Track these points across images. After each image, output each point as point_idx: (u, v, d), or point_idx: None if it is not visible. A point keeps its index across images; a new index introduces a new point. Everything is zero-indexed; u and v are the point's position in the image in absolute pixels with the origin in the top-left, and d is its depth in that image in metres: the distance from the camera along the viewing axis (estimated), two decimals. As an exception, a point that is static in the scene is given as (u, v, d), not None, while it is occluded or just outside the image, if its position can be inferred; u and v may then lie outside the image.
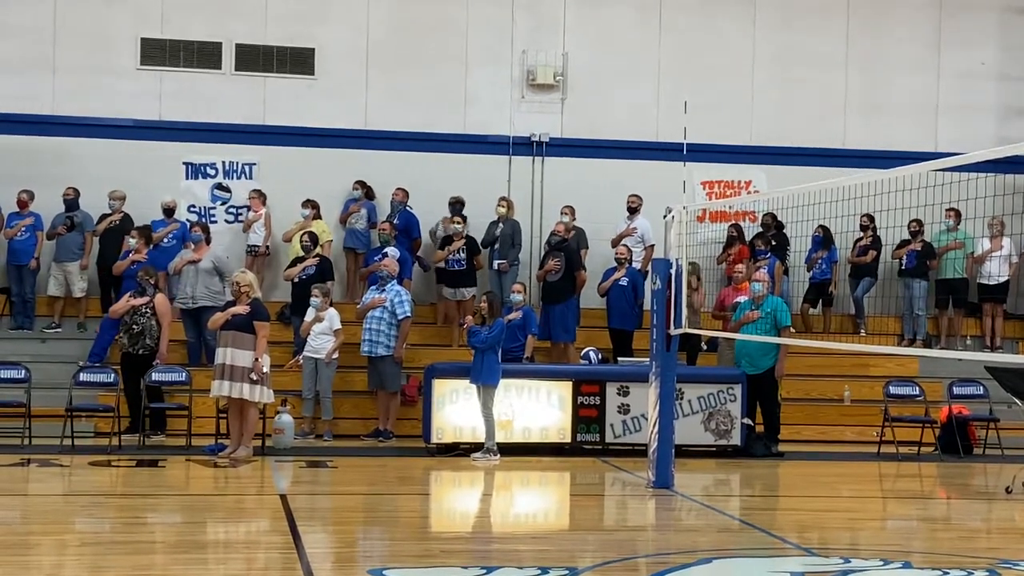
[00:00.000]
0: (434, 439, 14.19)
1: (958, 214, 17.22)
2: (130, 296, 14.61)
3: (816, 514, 11.24)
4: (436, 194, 17.45)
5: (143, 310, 14.51)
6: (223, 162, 17.85)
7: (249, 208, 17.34)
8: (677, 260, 11.96)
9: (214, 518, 10.41)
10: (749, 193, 18.51)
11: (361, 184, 17.50)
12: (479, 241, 17.10)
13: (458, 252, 16.70)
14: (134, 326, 14.49)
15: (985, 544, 10.05)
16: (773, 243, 17.27)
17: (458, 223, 16.75)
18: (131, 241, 15.82)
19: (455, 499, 12.61)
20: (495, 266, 16.86)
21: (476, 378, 13.79)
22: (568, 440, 14.41)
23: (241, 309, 13.18)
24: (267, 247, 17.18)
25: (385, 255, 15.99)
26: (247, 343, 13.04)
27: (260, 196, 17.25)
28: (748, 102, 18.80)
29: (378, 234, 16.83)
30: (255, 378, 13.02)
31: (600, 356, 15.85)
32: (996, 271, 17.67)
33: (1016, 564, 8.67)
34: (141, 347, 14.44)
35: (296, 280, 15.92)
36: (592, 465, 13.88)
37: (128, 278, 15.66)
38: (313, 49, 17.99)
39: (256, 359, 13.04)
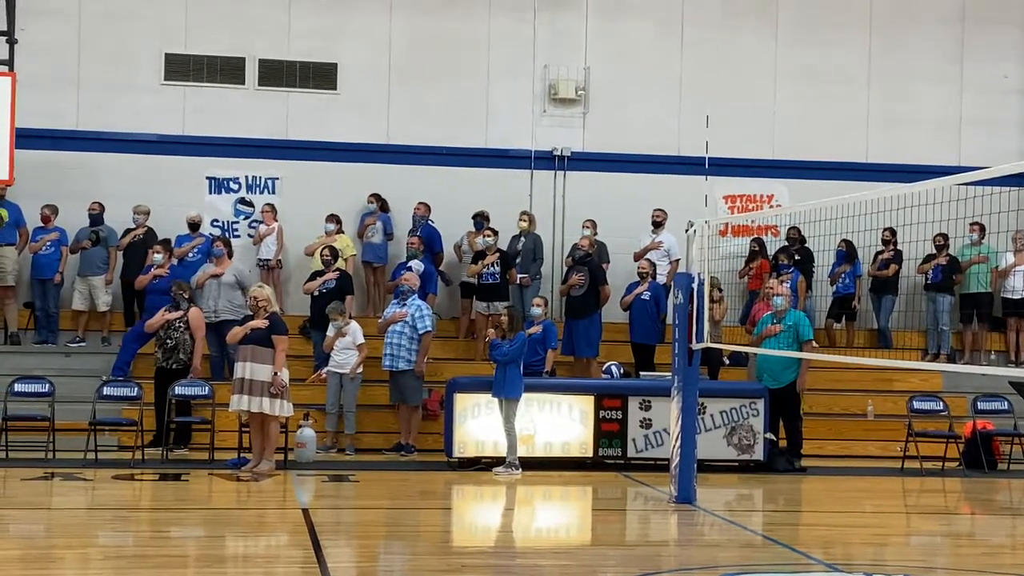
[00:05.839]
0: (456, 453, 14.19)
1: (982, 228, 17.15)
2: (165, 310, 14.69)
3: (840, 529, 11.19)
4: (458, 209, 17.47)
5: (177, 324, 14.58)
6: (246, 176, 17.93)
7: (262, 222, 17.42)
8: (699, 274, 11.95)
9: (236, 532, 10.44)
10: (771, 207, 18.48)
11: (376, 197, 17.54)
12: (509, 254, 17.10)
13: (492, 266, 16.68)
14: (168, 340, 14.58)
15: (1010, 560, 9.98)
16: (797, 257, 17.24)
17: (489, 236, 16.75)
18: (157, 257, 15.88)
19: (477, 514, 12.60)
20: (517, 280, 16.86)
21: (498, 392, 13.79)
22: (590, 455, 14.39)
23: (259, 323, 13.21)
24: (278, 261, 17.23)
25: (409, 269, 16.02)
26: (266, 357, 13.06)
27: (272, 210, 17.33)
28: (770, 116, 18.78)
29: (406, 248, 16.86)
30: (274, 392, 13.04)
31: (622, 370, 15.84)
32: (1020, 285, 17.57)
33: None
34: (175, 361, 14.52)
35: (315, 294, 15.97)
36: (614, 480, 13.86)
37: (151, 292, 15.72)
38: (335, 64, 18.07)
39: (275, 373, 13.06)
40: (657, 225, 17.50)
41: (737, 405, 14.46)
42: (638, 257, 17.27)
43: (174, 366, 14.53)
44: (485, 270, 16.65)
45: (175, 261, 16.48)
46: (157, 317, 14.72)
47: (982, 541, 11.21)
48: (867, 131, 18.96)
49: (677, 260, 17.19)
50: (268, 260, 17.14)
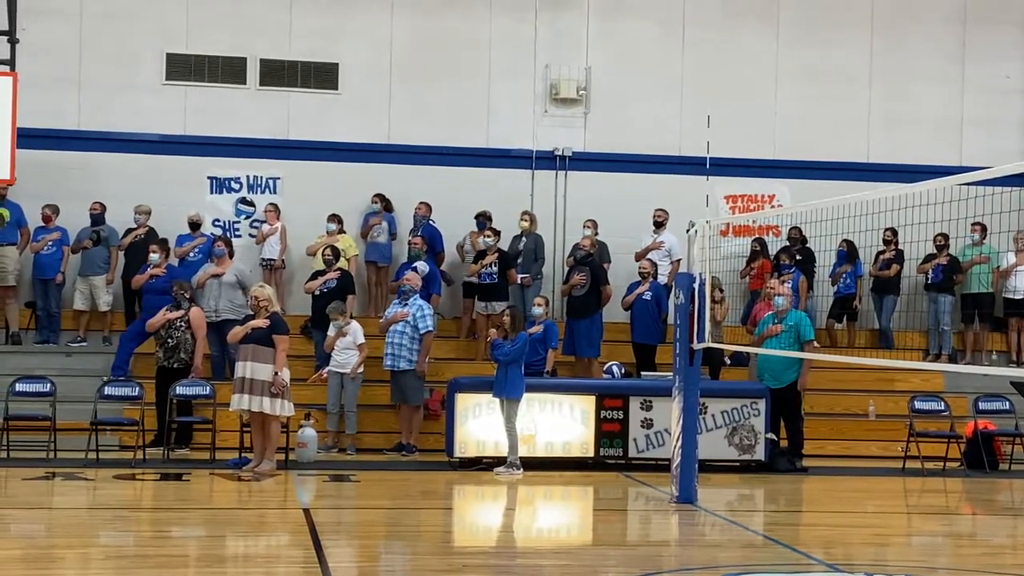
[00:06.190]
0: (457, 453, 14.19)
1: (983, 228, 17.15)
2: (166, 310, 14.70)
3: (841, 530, 11.19)
4: (459, 208, 17.48)
5: (178, 324, 14.60)
6: (247, 176, 17.93)
7: (264, 222, 17.43)
8: (700, 274, 11.95)
9: (237, 532, 10.44)
10: (772, 207, 18.47)
11: (380, 197, 17.55)
12: (509, 254, 17.09)
13: (491, 266, 16.68)
14: (169, 340, 14.59)
15: (1011, 560, 9.97)
16: (798, 257, 17.23)
17: (489, 236, 16.76)
18: (153, 256, 15.88)
19: (478, 513, 12.61)
20: (518, 280, 16.85)
21: (500, 392, 13.79)
22: (591, 455, 14.39)
23: (260, 323, 13.22)
24: (282, 261, 17.23)
25: (414, 270, 16.01)
26: (267, 357, 13.06)
27: (275, 210, 17.33)
28: (771, 116, 18.77)
29: (409, 248, 16.86)
30: (275, 391, 13.04)
31: (623, 370, 15.83)
32: (1022, 285, 17.57)
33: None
34: (176, 361, 14.54)
35: (316, 293, 15.97)
36: (615, 480, 13.86)
37: (148, 292, 15.74)
38: (337, 64, 18.07)
39: (276, 373, 13.06)
40: (658, 225, 17.50)
41: (738, 405, 14.46)
42: (639, 257, 17.25)
43: (175, 365, 14.55)
44: (483, 270, 16.65)
45: (175, 261, 16.50)
46: (158, 316, 14.73)
47: (983, 541, 11.21)
48: (868, 131, 18.95)
49: (678, 260, 17.18)
50: (272, 260, 17.15)
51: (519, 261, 16.96)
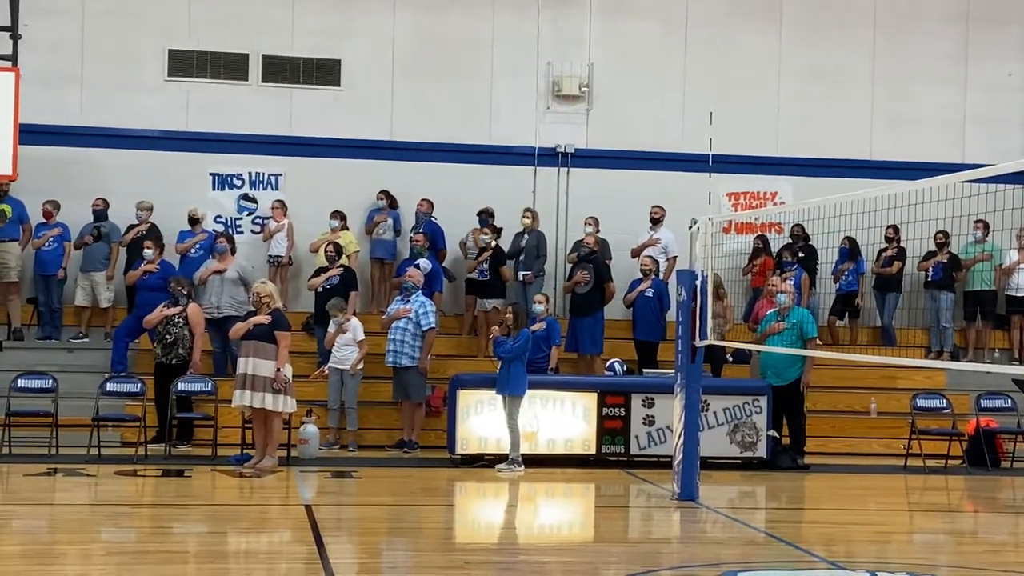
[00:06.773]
0: (458, 450, 14.20)
1: (986, 226, 17.15)
2: (164, 306, 14.70)
3: (842, 527, 11.19)
4: (461, 205, 17.48)
5: (176, 320, 14.60)
6: (249, 173, 17.94)
7: (269, 218, 17.43)
8: (702, 272, 11.94)
9: (239, 528, 10.45)
10: (775, 204, 18.46)
11: (385, 194, 17.55)
12: (504, 252, 17.10)
13: (484, 263, 16.68)
14: (167, 336, 14.59)
15: (1013, 558, 9.98)
16: (800, 255, 17.23)
17: (487, 234, 16.75)
18: (147, 252, 15.88)
19: (479, 510, 12.61)
20: (520, 277, 16.86)
21: (502, 389, 13.79)
22: (593, 452, 14.39)
23: (262, 319, 13.21)
24: (289, 257, 17.24)
25: (417, 267, 16.00)
26: (269, 353, 13.06)
27: (282, 207, 17.33)
28: (774, 114, 18.75)
29: (411, 245, 16.86)
30: (277, 388, 13.04)
31: (625, 367, 15.83)
32: (1024, 283, 17.57)
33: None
34: (174, 357, 14.54)
35: (319, 290, 15.98)
36: (617, 477, 13.86)
37: (142, 288, 15.74)
38: (339, 61, 18.07)
39: (278, 369, 13.06)
40: (655, 222, 17.49)
41: (740, 402, 14.46)
42: (635, 254, 17.27)
43: (173, 361, 14.55)
44: (477, 267, 16.65)
45: (174, 258, 16.49)
46: (155, 313, 14.73)
47: (985, 539, 11.21)
48: (871, 129, 18.94)
49: (674, 257, 17.16)
50: (279, 257, 17.15)
51: (521, 258, 16.96)
